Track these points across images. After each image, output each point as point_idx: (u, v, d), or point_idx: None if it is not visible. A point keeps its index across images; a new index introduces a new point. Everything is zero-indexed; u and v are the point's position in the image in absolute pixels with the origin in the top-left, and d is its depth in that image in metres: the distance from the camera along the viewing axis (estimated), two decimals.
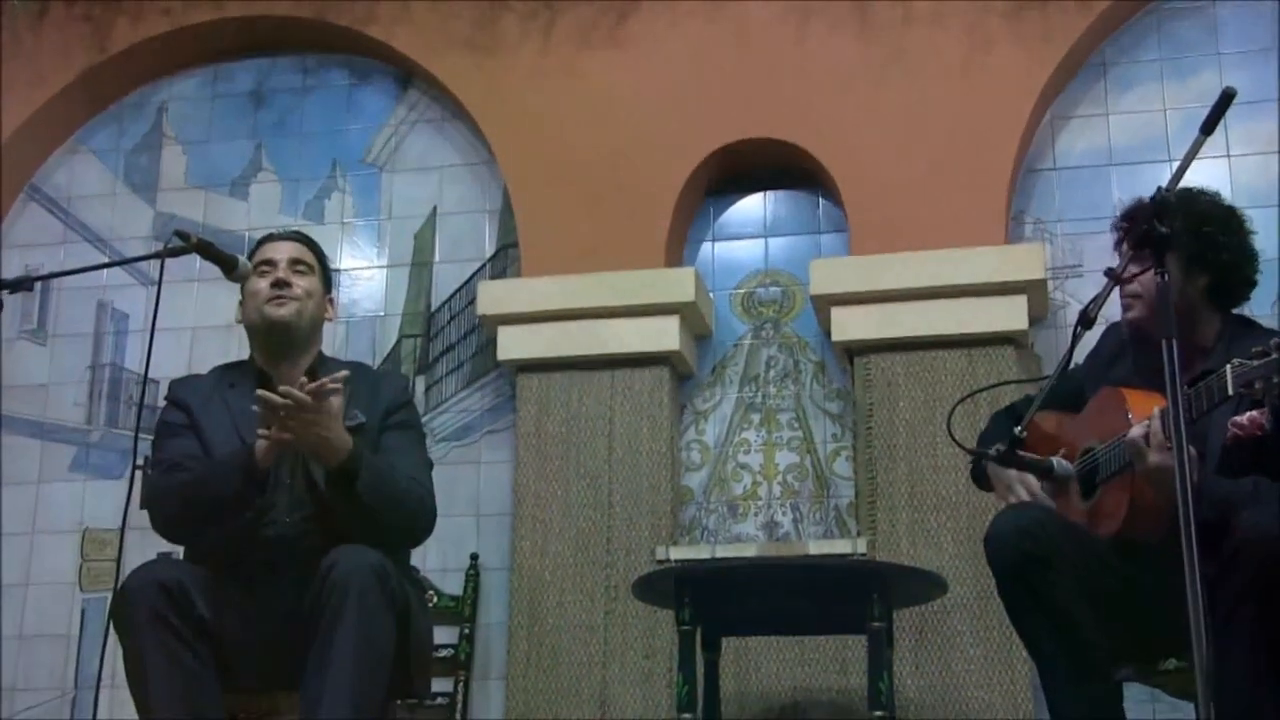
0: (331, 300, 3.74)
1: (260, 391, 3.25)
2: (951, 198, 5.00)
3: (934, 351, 4.89)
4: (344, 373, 3.31)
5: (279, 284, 3.54)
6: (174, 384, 3.66)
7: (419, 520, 3.51)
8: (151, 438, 3.68)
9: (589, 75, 5.43)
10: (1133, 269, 3.03)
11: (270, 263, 3.58)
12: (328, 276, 3.73)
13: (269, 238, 3.73)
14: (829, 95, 5.21)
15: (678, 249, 5.32)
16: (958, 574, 4.49)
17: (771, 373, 5.19)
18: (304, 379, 3.26)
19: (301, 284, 3.57)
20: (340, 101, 5.86)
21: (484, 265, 5.51)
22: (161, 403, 3.72)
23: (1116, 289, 3.14)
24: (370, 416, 3.50)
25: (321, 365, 3.59)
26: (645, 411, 5.04)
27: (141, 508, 3.50)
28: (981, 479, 3.54)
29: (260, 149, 5.86)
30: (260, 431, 3.25)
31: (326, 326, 3.74)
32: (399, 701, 3.52)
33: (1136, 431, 2.99)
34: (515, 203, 5.39)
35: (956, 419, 3.47)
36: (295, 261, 3.60)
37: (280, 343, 3.55)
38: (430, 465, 3.64)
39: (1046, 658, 3.13)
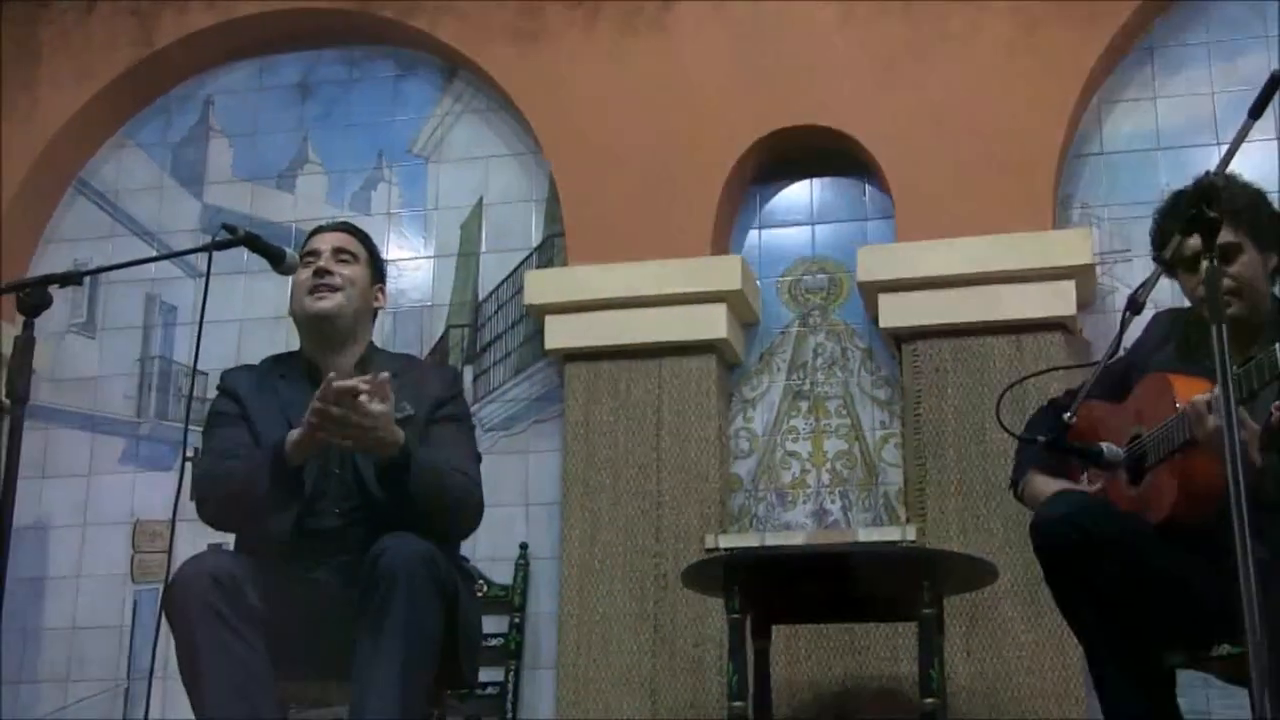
0: (382, 289, 3.75)
1: (317, 405, 3.21)
2: (998, 183, 4.97)
3: (982, 338, 4.87)
4: (385, 374, 3.28)
5: (320, 273, 3.55)
6: (225, 374, 3.68)
7: (466, 513, 3.51)
8: (202, 428, 3.70)
9: (634, 63, 5.42)
10: (1185, 251, 3.02)
11: (314, 253, 3.61)
12: (377, 265, 3.73)
13: (317, 230, 3.75)
14: (874, 80, 5.19)
15: (724, 237, 5.31)
16: (1008, 560, 4.46)
17: (819, 360, 5.18)
18: (332, 374, 3.24)
19: (344, 273, 3.58)
20: (386, 93, 5.87)
21: (531, 255, 5.52)
22: (212, 394, 3.74)
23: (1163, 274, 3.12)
24: (419, 409, 3.51)
25: (371, 357, 3.60)
26: (693, 400, 5.03)
27: (191, 498, 3.53)
28: (1020, 499, 3.51)
29: (306, 141, 5.88)
30: (319, 435, 3.23)
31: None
32: (449, 691, 3.53)
33: (1201, 398, 2.95)
34: (561, 192, 5.40)
35: (1005, 405, 3.45)
36: (339, 251, 3.62)
37: (323, 334, 3.57)
38: (479, 458, 3.64)
39: (1096, 645, 3.11)
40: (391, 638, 3.05)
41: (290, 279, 3.60)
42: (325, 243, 3.64)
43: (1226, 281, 3.18)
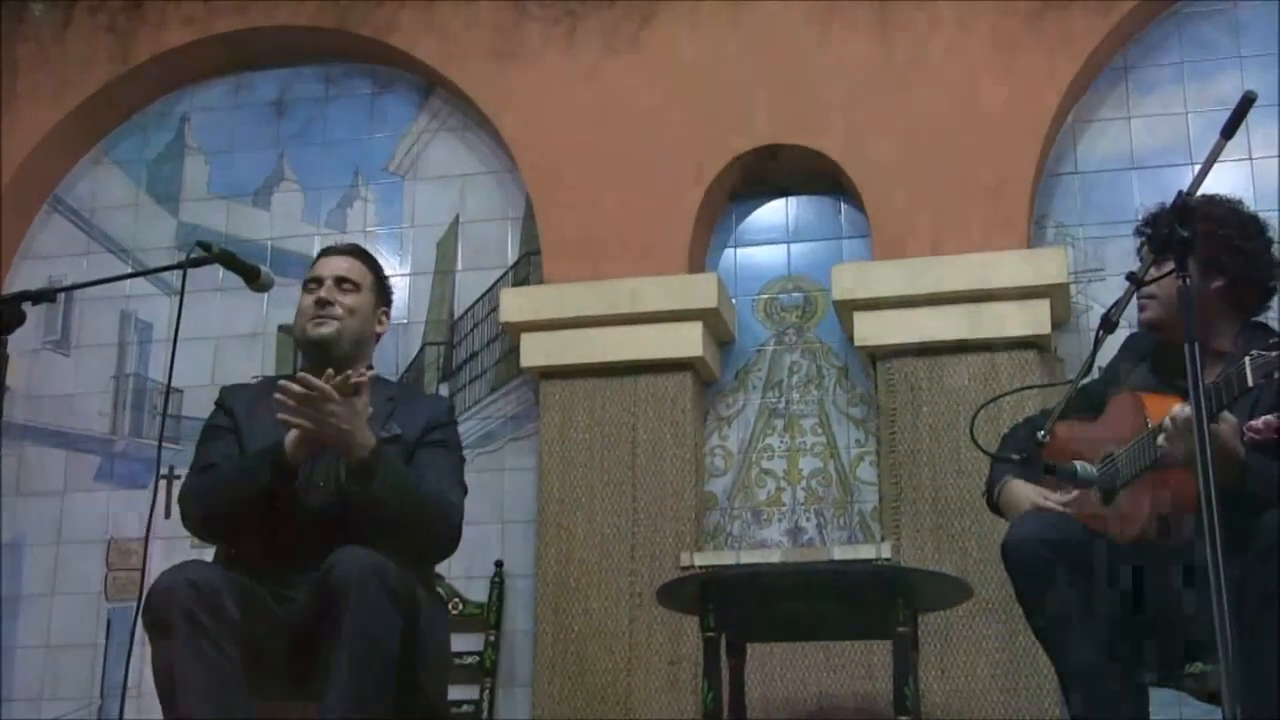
0: (385, 313, 3.77)
1: (283, 381, 3.29)
2: (974, 202, 4.99)
3: (957, 356, 4.88)
4: (372, 371, 3.35)
5: (321, 303, 3.59)
6: (224, 389, 3.73)
7: (437, 530, 3.47)
8: (177, 446, 3.71)
9: (611, 81, 5.43)
10: (1153, 273, 3.03)
11: (318, 280, 3.64)
12: (382, 290, 3.76)
13: (324, 252, 3.79)
14: (851, 99, 5.20)
15: (700, 255, 5.32)
16: (982, 578, 4.46)
17: (794, 378, 5.19)
18: (330, 371, 3.30)
19: (345, 302, 3.61)
20: (363, 110, 5.87)
21: (507, 272, 5.52)
22: (187, 411, 3.75)
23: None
24: (408, 433, 3.54)
25: (371, 383, 3.61)
26: (668, 418, 5.03)
27: (176, 510, 3.53)
28: (996, 508, 3.52)
29: (283, 158, 5.87)
30: (280, 416, 3.28)
31: None
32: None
33: (1177, 409, 2.94)
34: (537, 210, 5.40)
35: (980, 424, 3.46)
36: (341, 280, 3.64)
37: (323, 359, 3.57)
38: (464, 488, 3.63)
39: (1068, 664, 3.12)
40: (342, 648, 3.04)
41: (265, 295, 3.62)
42: (329, 269, 3.67)
43: (1149, 288, 3.21)
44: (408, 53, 5.67)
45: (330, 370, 3.31)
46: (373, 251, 3.85)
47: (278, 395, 3.27)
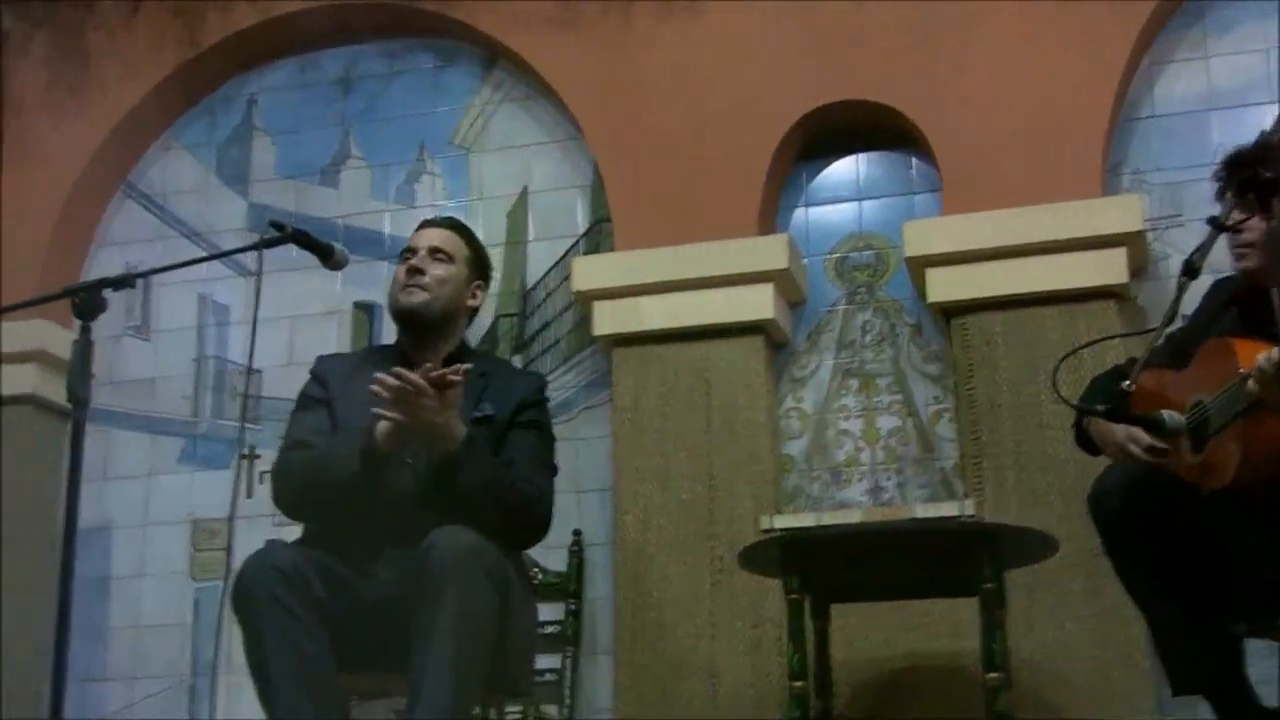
0: (480, 288, 3.81)
1: (377, 374, 3.31)
2: (1046, 151, 4.91)
3: (1033, 309, 4.80)
4: (467, 366, 3.36)
5: (412, 271, 3.64)
6: (320, 358, 3.79)
7: (523, 521, 3.52)
8: (258, 427, 3.74)
9: (673, 44, 5.38)
10: (1237, 216, 2.97)
11: (412, 250, 3.70)
12: (479, 264, 3.80)
13: (422, 224, 3.85)
14: (918, 51, 5.13)
15: (770, 216, 5.27)
16: (1068, 532, 4.37)
17: (868, 337, 5.14)
18: (428, 364, 3.33)
19: (436, 272, 3.66)
20: (426, 85, 5.87)
21: (577, 241, 5.51)
22: (266, 391, 3.79)
23: (1221, 238, 3.08)
24: (501, 412, 3.56)
25: (461, 355, 3.66)
26: (742, 381, 5.00)
27: (271, 480, 3.56)
28: (1086, 442, 3.48)
29: (349, 136, 5.89)
30: (374, 410, 3.31)
31: None
32: (499, 694, 3.55)
33: (1266, 355, 2.87)
34: (606, 177, 5.38)
35: (1060, 376, 3.42)
36: (435, 250, 3.70)
37: (413, 328, 3.65)
38: (553, 469, 3.67)
39: (1159, 617, 3.09)
40: (443, 632, 3.07)
41: (339, 273, 3.75)
42: (424, 240, 3.73)
43: (1245, 235, 3.15)
44: (469, 25, 5.66)
45: (429, 365, 3.33)
46: None
47: (373, 387, 3.30)
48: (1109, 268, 4.76)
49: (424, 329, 3.64)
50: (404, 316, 3.66)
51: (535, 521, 3.55)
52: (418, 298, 3.63)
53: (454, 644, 3.07)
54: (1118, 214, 4.79)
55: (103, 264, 5.93)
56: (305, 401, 3.67)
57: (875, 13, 5.20)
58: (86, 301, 2.93)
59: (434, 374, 3.28)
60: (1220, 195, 3.29)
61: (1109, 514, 3.10)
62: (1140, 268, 4.86)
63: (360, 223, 5.70)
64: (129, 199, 6.08)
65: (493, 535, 3.28)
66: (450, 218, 3.96)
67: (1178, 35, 5.11)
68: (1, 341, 5.48)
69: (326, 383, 3.66)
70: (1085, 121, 4.92)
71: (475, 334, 5.44)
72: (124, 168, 6.08)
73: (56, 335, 5.59)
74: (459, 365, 3.34)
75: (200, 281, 5.83)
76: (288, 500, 3.56)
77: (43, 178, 5.92)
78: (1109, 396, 3.08)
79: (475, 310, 3.81)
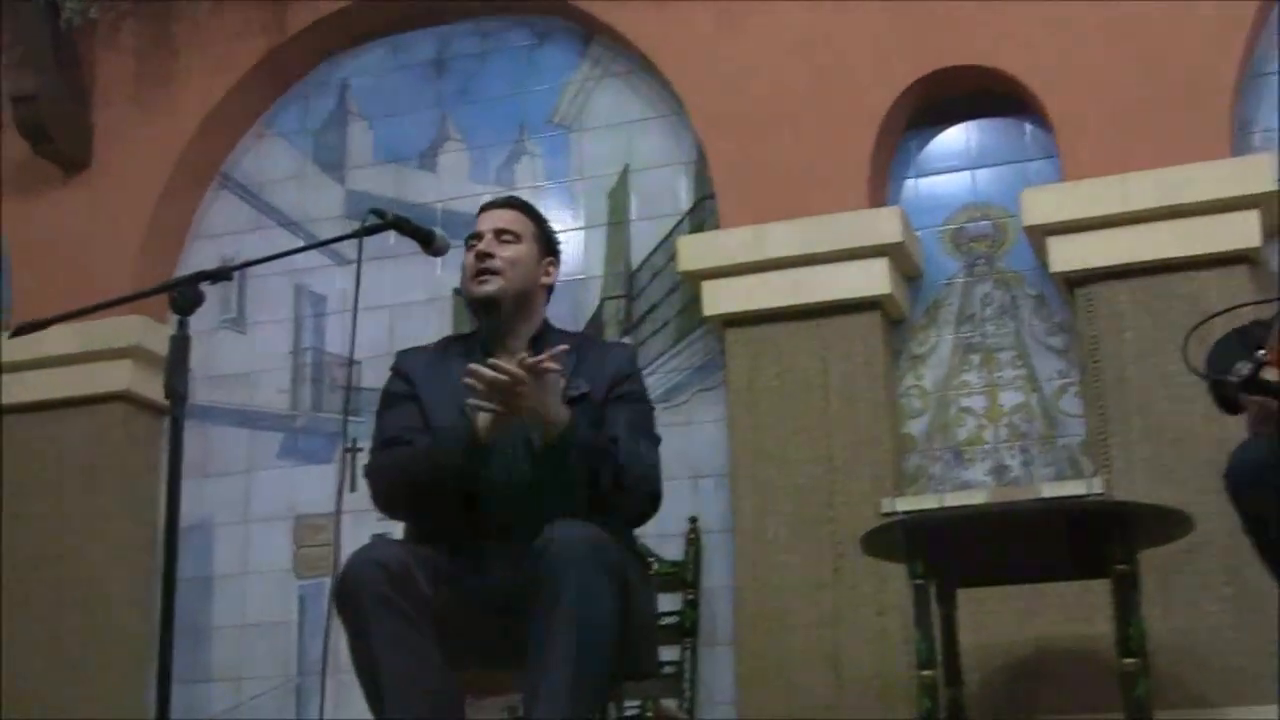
0: (553, 263, 3.68)
1: (471, 365, 3.21)
2: (1169, 111, 4.73)
3: (1160, 276, 4.64)
4: (563, 347, 3.26)
5: (481, 257, 3.52)
6: (400, 353, 3.68)
7: (638, 496, 3.41)
8: (359, 419, 3.68)
9: (775, 14, 5.26)
10: None
11: (478, 236, 3.58)
12: (547, 239, 3.68)
13: (484, 207, 3.71)
14: (1030, 12, 4.96)
15: (880, 188, 5.14)
16: (1203, 510, 4.21)
17: (988, 310, 5.01)
18: (524, 355, 3.22)
19: (505, 254, 3.53)
20: (522, 63, 5.80)
21: (682, 220, 5.42)
22: (367, 383, 3.72)
23: None
24: (595, 388, 3.46)
25: (546, 335, 3.56)
26: (859, 359, 4.88)
27: (367, 480, 3.49)
28: (1227, 402, 3.32)
29: (446, 118, 5.84)
30: (470, 402, 3.22)
31: None
32: (628, 679, 3.45)
33: None
34: (709, 153, 5.27)
35: (1191, 346, 3.28)
36: (501, 232, 3.57)
37: (490, 316, 3.54)
38: (657, 439, 3.56)
39: None
40: (562, 631, 2.98)
41: (439, 260, 3.59)
42: (488, 223, 3.60)
43: None
44: (563, 0, 5.56)
45: (525, 354, 3.22)
46: (543, 206, 3.79)
47: (467, 380, 3.20)
48: (1240, 231, 4.59)
49: (502, 315, 3.53)
50: (480, 305, 3.55)
51: (649, 497, 3.45)
52: (492, 284, 3.50)
53: (574, 641, 2.98)
54: (1248, 175, 4.61)
55: (198, 256, 5.93)
56: (391, 399, 3.58)
57: None
58: (184, 296, 2.89)
59: (529, 361, 3.18)
60: None
61: (1248, 491, 2.96)
62: (1273, 230, 4.66)
63: (460, 206, 5.61)
64: (224, 189, 6.08)
65: (609, 514, 3.23)
66: (511, 196, 3.84)
67: None
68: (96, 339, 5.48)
69: (410, 378, 3.57)
70: (1211, 77, 4.74)
71: (581, 317, 5.36)
72: (218, 158, 6.08)
73: (152, 330, 5.58)
74: (554, 349, 3.23)
75: (296, 272, 5.79)
76: (388, 499, 3.47)
77: (135, 171, 5.93)
78: (1236, 363, 2.94)
79: (551, 288, 3.69)
